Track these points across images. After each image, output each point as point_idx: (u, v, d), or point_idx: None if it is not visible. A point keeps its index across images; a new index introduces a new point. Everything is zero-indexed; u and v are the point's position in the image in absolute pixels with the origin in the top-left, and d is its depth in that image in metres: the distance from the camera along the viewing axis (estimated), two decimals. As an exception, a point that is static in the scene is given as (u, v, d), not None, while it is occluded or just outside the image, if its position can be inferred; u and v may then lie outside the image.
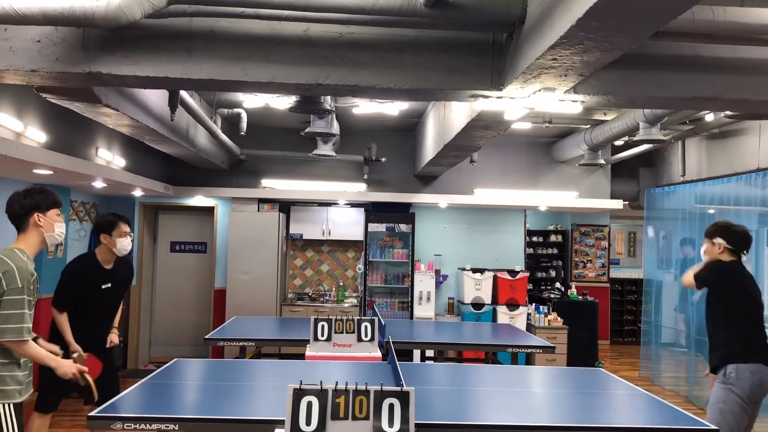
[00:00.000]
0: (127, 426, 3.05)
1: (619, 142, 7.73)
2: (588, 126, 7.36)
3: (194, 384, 4.03)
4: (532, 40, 2.91)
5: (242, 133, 6.87)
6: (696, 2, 2.26)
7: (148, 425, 3.07)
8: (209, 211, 9.23)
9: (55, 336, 4.57)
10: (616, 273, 11.93)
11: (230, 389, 3.74)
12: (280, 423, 2.79)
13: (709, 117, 6.34)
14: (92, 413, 3.09)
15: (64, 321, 4.61)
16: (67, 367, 3.48)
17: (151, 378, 3.95)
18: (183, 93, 5.04)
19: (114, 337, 4.99)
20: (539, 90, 3.40)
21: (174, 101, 4.91)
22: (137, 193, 8.19)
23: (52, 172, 5.60)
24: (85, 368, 3.64)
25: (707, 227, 4.55)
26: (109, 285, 4.83)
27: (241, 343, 5.60)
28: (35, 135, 4.73)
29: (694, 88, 3.61)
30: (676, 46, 3.52)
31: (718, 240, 4.37)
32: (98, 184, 6.86)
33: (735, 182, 7.12)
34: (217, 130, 6.43)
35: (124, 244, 4.77)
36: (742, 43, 3.41)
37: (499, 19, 3.12)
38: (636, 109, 5.76)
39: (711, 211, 8.13)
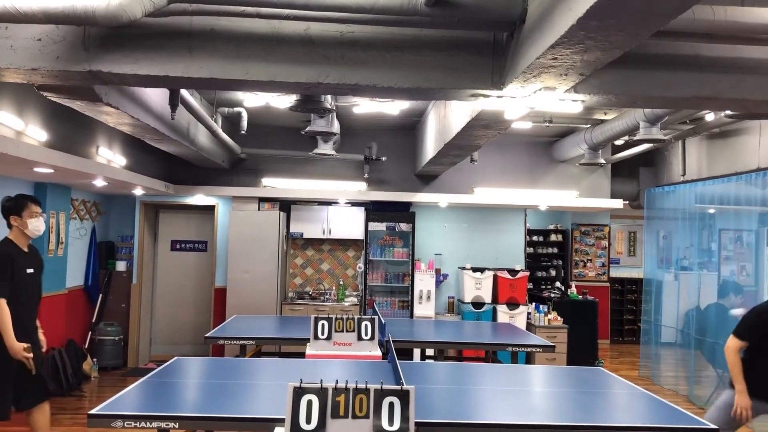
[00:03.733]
0: (127, 424, 3.06)
1: (619, 142, 7.73)
2: (588, 125, 7.36)
3: (194, 382, 4.04)
4: (533, 40, 2.91)
5: (243, 131, 6.87)
6: (696, 1, 2.26)
7: (148, 423, 3.08)
8: (210, 209, 9.23)
9: None
10: (616, 272, 11.93)
11: (230, 388, 3.74)
12: (281, 421, 2.80)
13: (710, 117, 6.34)
14: (92, 411, 3.10)
15: (6, 313, 4.29)
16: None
17: (151, 376, 3.96)
18: (183, 92, 5.04)
19: (43, 337, 4.74)
20: (540, 89, 3.40)
21: (174, 100, 4.91)
22: (138, 191, 8.19)
23: (52, 171, 5.61)
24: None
25: None
26: (32, 270, 4.61)
27: (241, 342, 5.60)
28: (36, 133, 4.74)
29: (695, 87, 3.61)
30: (676, 45, 3.52)
31: None
32: (99, 183, 6.87)
33: (735, 182, 7.12)
34: (218, 128, 6.43)
35: (36, 224, 4.55)
36: (743, 43, 3.40)
37: (499, 18, 3.12)
38: (636, 108, 5.75)
39: (711, 211, 8.13)
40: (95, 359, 8.13)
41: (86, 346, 8.32)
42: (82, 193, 8.15)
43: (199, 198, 8.97)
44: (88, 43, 3.32)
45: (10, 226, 4.56)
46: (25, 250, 4.61)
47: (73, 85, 3.79)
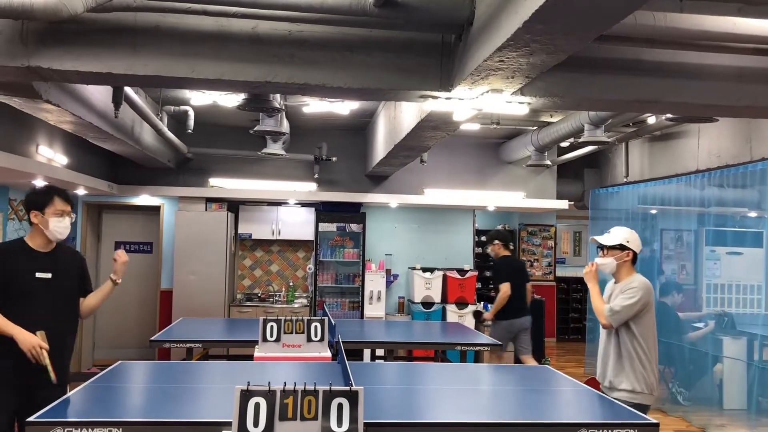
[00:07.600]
0: (67, 431, 2.96)
1: (564, 144, 7.88)
2: (535, 127, 7.49)
3: (139, 386, 3.95)
4: (480, 42, 2.95)
5: (189, 131, 6.75)
6: (637, 7, 2.32)
7: (90, 430, 2.98)
8: (155, 210, 9.04)
9: None
10: (562, 272, 12.16)
11: (176, 391, 3.67)
12: (227, 425, 2.76)
13: (651, 120, 6.52)
14: (30, 418, 2.99)
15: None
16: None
17: (94, 381, 3.84)
18: (128, 89, 4.92)
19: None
20: (487, 91, 3.44)
21: (118, 98, 4.79)
22: (80, 192, 7.97)
23: (-11, 170, 5.41)
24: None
25: (490, 234, 7.41)
26: (48, 275, 3.77)
27: (187, 345, 5.50)
28: (-29, 131, 4.57)
29: (636, 91, 3.71)
30: (619, 50, 3.61)
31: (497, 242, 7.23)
32: (39, 183, 6.65)
33: (675, 183, 7.34)
34: (164, 127, 6.30)
35: (57, 225, 3.68)
36: (683, 48, 3.51)
37: (447, 20, 3.14)
38: (581, 111, 5.88)
39: (653, 212, 8.37)
40: (35, 364, 7.86)
41: (25, 351, 8.04)
42: (21, 192, 7.87)
43: (144, 198, 8.78)
44: (26, 37, 3.22)
45: (31, 223, 3.69)
46: (43, 251, 3.75)
47: (11, 81, 3.66)
